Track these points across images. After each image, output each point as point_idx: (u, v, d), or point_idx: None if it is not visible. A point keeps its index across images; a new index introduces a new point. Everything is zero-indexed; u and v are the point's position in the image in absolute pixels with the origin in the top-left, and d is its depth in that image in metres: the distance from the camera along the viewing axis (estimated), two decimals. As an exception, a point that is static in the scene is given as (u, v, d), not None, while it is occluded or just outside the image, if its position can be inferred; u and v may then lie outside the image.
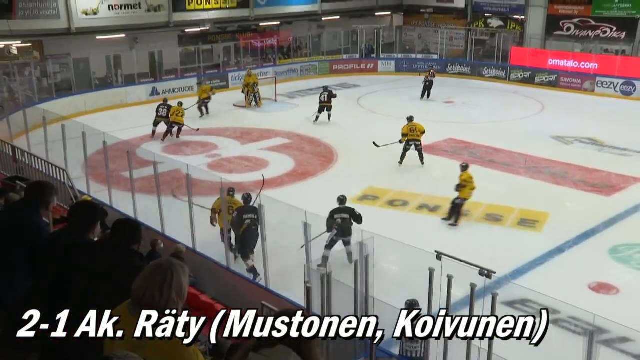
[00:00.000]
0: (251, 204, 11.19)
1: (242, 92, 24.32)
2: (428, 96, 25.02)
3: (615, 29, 27.20)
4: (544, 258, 11.50)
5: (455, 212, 13.02)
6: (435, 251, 7.01)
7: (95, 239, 4.00)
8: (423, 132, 16.56)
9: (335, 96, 21.34)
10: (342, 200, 11.65)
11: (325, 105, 21.12)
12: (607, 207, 13.87)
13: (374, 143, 16.83)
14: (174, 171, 14.26)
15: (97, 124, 17.18)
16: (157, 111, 19.46)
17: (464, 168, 13.26)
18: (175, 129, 19.13)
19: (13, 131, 17.04)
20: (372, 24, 32.66)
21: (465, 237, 12.25)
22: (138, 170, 12.49)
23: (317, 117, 21.11)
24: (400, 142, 16.59)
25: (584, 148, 18.57)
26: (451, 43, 32.48)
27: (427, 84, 24.92)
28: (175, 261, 2.74)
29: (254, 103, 24.05)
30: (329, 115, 21.26)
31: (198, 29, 27.34)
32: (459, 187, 12.97)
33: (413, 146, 16.47)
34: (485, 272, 6.65)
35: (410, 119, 16.92)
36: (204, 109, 22.36)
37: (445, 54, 31.39)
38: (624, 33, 26.89)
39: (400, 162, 16.57)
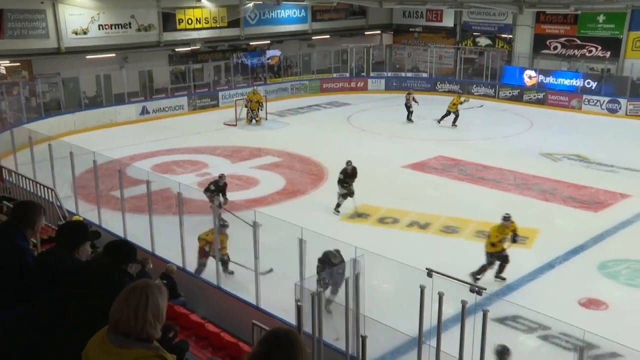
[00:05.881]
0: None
1: (246, 106, 24.16)
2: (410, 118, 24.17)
3: (600, 48, 27.60)
4: (534, 274, 11.54)
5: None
6: (426, 268, 7.04)
7: (84, 259, 3.96)
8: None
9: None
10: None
11: None
12: (596, 223, 13.97)
13: None
14: (164, 190, 14.24)
15: (86, 144, 17.16)
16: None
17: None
18: None
19: (0, 151, 16.95)
20: (362, 43, 32.91)
21: (455, 254, 12.26)
22: (128, 189, 12.46)
23: None
24: None
25: (572, 165, 18.72)
26: (440, 61, 32.76)
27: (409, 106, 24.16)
28: (152, 282, 2.68)
29: (253, 121, 24.07)
30: None
31: (188, 48, 27.42)
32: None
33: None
34: (476, 289, 6.69)
35: None
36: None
37: (434, 72, 31.67)
38: (609, 52, 27.29)
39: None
